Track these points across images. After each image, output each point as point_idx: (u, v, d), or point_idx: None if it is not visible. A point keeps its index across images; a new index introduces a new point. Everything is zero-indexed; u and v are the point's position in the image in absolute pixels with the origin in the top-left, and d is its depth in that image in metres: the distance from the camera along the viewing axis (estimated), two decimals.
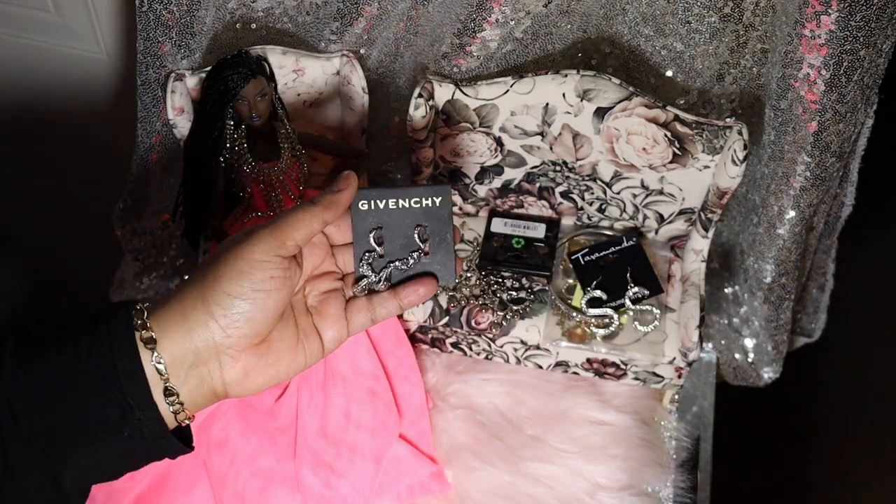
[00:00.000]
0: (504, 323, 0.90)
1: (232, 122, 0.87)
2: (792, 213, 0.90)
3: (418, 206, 0.67)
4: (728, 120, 0.83)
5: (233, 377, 0.62)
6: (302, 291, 0.66)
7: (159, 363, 0.59)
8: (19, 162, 1.33)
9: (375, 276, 0.67)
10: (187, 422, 0.62)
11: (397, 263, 0.67)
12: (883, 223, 1.30)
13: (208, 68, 0.86)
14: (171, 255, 1.07)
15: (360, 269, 0.67)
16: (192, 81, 0.89)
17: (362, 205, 0.66)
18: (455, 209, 0.99)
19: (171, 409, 0.60)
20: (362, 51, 0.93)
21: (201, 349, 0.61)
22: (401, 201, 0.67)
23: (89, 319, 0.61)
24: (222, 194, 0.90)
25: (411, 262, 0.68)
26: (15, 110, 1.24)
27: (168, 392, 0.60)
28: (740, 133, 0.81)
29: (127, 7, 1.03)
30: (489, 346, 0.93)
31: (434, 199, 0.67)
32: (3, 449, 0.57)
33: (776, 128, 0.86)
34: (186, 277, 0.62)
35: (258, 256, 0.61)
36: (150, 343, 0.59)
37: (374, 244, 0.67)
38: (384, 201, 0.67)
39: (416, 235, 0.67)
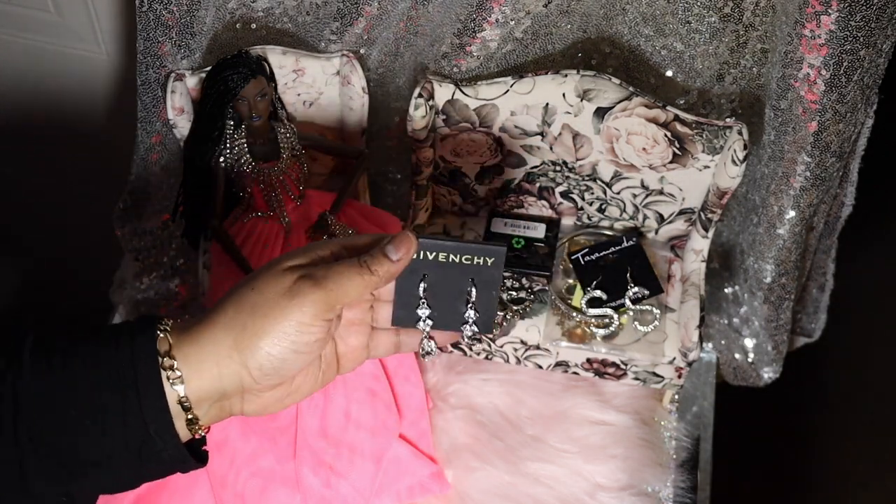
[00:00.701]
0: (504, 323, 0.90)
1: (232, 122, 0.87)
2: (792, 213, 0.90)
3: (469, 262, 0.64)
4: (728, 120, 0.83)
5: (252, 409, 0.62)
6: (337, 324, 0.64)
7: (185, 402, 0.59)
8: (19, 162, 1.33)
9: (423, 323, 0.66)
10: (202, 433, 0.61)
11: (438, 311, 0.66)
12: (883, 223, 1.30)
13: (208, 68, 0.86)
14: (171, 255, 1.07)
15: (401, 314, 0.65)
16: (192, 81, 0.89)
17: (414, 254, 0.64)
18: (455, 209, 0.99)
19: (189, 431, 0.60)
20: (362, 51, 0.93)
21: (228, 391, 0.60)
22: (451, 256, 0.64)
23: (113, 338, 0.58)
24: (222, 194, 0.90)
25: (455, 311, 0.66)
26: (15, 110, 1.24)
27: (190, 422, 0.60)
28: (740, 133, 0.81)
29: (127, 7, 1.03)
30: (489, 346, 0.93)
31: (488, 259, 0.64)
32: (21, 462, 0.56)
33: (776, 128, 0.86)
34: (218, 307, 0.61)
35: (307, 320, 0.58)
36: (178, 382, 0.58)
37: (421, 293, 0.65)
38: (434, 253, 0.64)
39: (469, 290, 0.65)
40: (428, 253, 0.64)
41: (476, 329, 0.66)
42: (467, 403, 0.94)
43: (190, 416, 0.59)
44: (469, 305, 0.65)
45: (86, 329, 0.60)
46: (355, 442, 0.87)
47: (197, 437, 0.61)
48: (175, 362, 0.58)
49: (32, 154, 1.31)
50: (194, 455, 0.61)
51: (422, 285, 0.64)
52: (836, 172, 0.88)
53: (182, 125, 0.91)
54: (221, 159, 0.88)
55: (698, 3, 0.82)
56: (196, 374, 0.58)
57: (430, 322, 0.66)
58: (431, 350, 0.67)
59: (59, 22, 1.08)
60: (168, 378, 0.58)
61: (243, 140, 0.87)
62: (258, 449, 0.87)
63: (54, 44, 1.11)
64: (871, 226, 1.11)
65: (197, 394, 0.59)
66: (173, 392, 0.58)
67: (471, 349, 0.95)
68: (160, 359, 0.58)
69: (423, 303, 0.65)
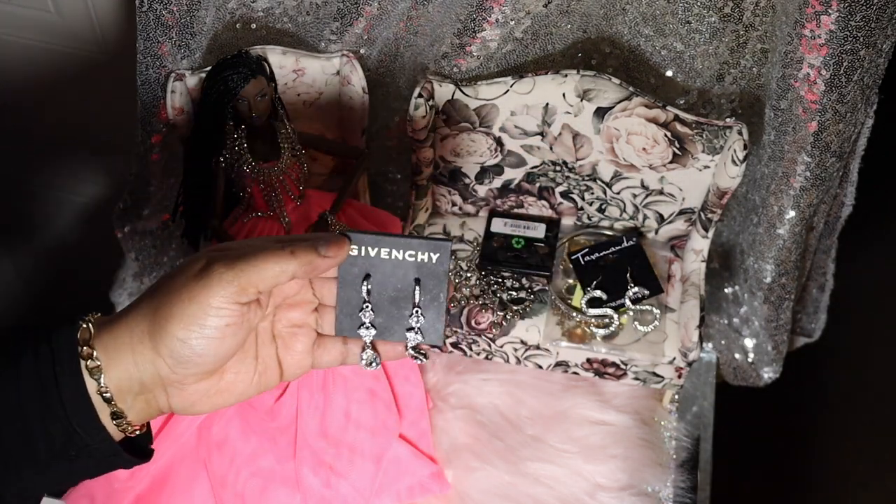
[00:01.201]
0: (504, 323, 0.90)
1: (232, 122, 0.87)
2: (792, 213, 0.90)
3: (413, 259, 0.60)
4: (728, 120, 0.83)
5: (179, 404, 0.59)
6: (271, 317, 0.61)
7: (105, 393, 0.56)
8: (19, 162, 1.33)
9: (366, 330, 0.62)
10: (138, 432, 0.59)
11: (381, 317, 0.62)
12: (883, 223, 1.30)
13: (208, 68, 0.86)
14: (171, 255, 1.07)
15: (343, 321, 0.62)
16: (192, 81, 0.89)
17: (352, 249, 0.60)
18: (455, 209, 0.99)
19: (118, 428, 0.58)
20: (362, 51, 0.93)
21: (147, 381, 0.57)
22: (394, 252, 0.60)
23: (32, 335, 0.57)
24: (222, 194, 0.90)
25: (401, 317, 0.62)
26: (15, 110, 1.24)
27: (115, 415, 0.57)
28: (740, 133, 0.81)
29: (127, 7, 1.03)
30: (489, 346, 0.93)
31: (432, 254, 0.60)
32: None
33: (776, 128, 0.86)
34: (139, 297, 0.59)
35: (214, 302, 0.55)
36: (97, 372, 0.56)
37: (364, 294, 0.61)
38: (376, 249, 0.60)
39: (414, 291, 0.61)
40: (370, 249, 0.60)
41: (421, 338, 0.62)
42: (467, 403, 0.94)
43: (114, 410, 0.57)
44: (415, 310, 0.61)
45: (9, 328, 0.58)
46: (355, 442, 0.87)
47: (131, 434, 0.59)
48: (94, 352, 0.56)
49: (32, 154, 1.31)
50: (138, 451, 0.59)
51: (365, 286, 0.61)
52: (836, 172, 0.88)
53: (182, 125, 0.91)
54: (221, 159, 0.88)
55: (698, 3, 0.82)
56: (114, 363, 0.56)
57: (373, 330, 0.62)
58: (373, 361, 0.63)
59: (59, 22, 1.08)
60: (87, 367, 0.56)
61: (243, 140, 0.87)
62: (258, 449, 0.87)
63: (54, 44, 1.11)
64: (871, 226, 1.11)
65: (116, 384, 0.57)
66: (93, 382, 0.56)
67: (470, 349, 0.95)
68: (80, 348, 0.56)
69: (367, 306, 0.61)
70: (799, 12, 0.76)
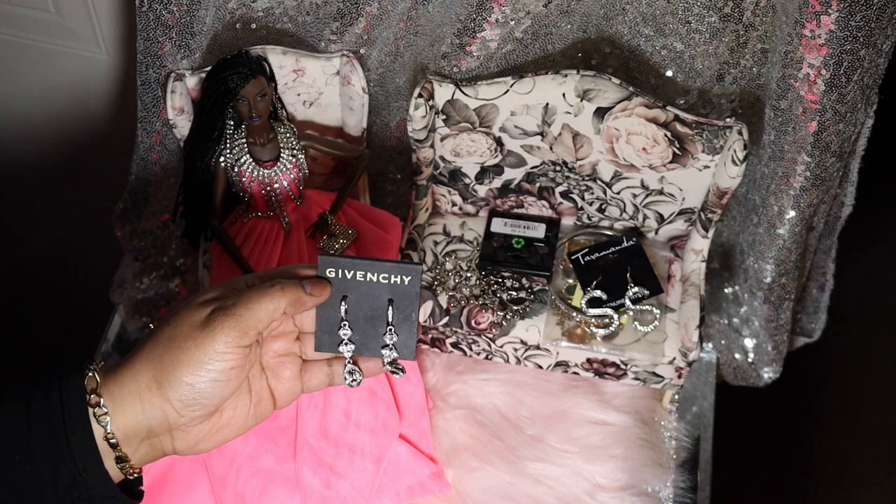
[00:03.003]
0: (504, 323, 0.90)
1: (232, 122, 0.87)
2: (792, 213, 0.90)
3: (386, 281, 0.65)
4: (728, 120, 0.83)
5: (183, 445, 0.63)
6: (258, 351, 0.65)
7: (112, 439, 0.60)
8: (19, 162, 1.33)
9: (345, 346, 0.66)
10: (135, 474, 0.62)
11: (358, 334, 0.66)
12: (883, 223, 1.30)
13: (208, 68, 0.86)
14: (171, 255, 1.07)
15: (323, 338, 0.66)
16: (192, 81, 0.89)
17: (329, 272, 0.64)
18: (455, 209, 0.99)
19: (121, 471, 0.61)
20: (362, 51, 0.93)
21: (154, 426, 0.61)
22: (369, 275, 0.64)
23: (43, 380, 0.60)
24: (222, 194, 0.90)
25: (376, 334, 0.66)
26: (15, 110, 1.24)
27: (119, 459, 0.61)
28: (740, 133, 0.81)
29: (127, 7, 1.03)
30: (489, 346, 0.93)
31: (404, 277, 0.64)
32: None
33: (776, 128, 0.86)
34: (138, 347, 0.63)
35: (220, 348, 0.60)
36: (104, 419, 0.60)
37: (342, 314, 0.65)
38: (352, 272, 0.64)
39: (387, 311, 0.65)
40: (346, 272, 0.64)
41: (395, 354, 0.66)
42: (467, 403, 0.94)
43: (118, 454, 0.60)
44: (388, 328, 0.66)
45: (16, 371, 0.61)
46: (355, 442, 0.87)
47: (130, 477, 0.62)
48: (101, 399, 0.60)
49: (32, 154, 1.31)
50: (130, 493, 0.63)
51: (343, 306, 0.65)
52: (836, 172, 0.88)
53: (182, 125, 0.91)
54: (221, 159, 0.88)
55: (698, 3, 0.82)
56: (120, 411, 0.60)
57: (351, 346, 0.66)
58: (355, 379, 0.67)
59: (59, 22, 1.08)
60: (95, 415, 0.59)
61: (243, 140, 0.87)
62: (258, 449, 0.87)
63: (54, 44, 1.11)
64: (871, 226, 1.11)
65: (123, 430, 0.60)
66: (100, 428, 0.59)
67: (470, 349, 0.95)
68: (87, 396, 0.60)
69: (345, 324, 0.65)
70: (799, 12, 0.76)
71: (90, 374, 0.60)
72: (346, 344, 0.66)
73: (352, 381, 0.67)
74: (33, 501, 0.58)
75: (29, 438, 0.58)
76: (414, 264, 0.65)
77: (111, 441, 0.60)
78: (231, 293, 0.63)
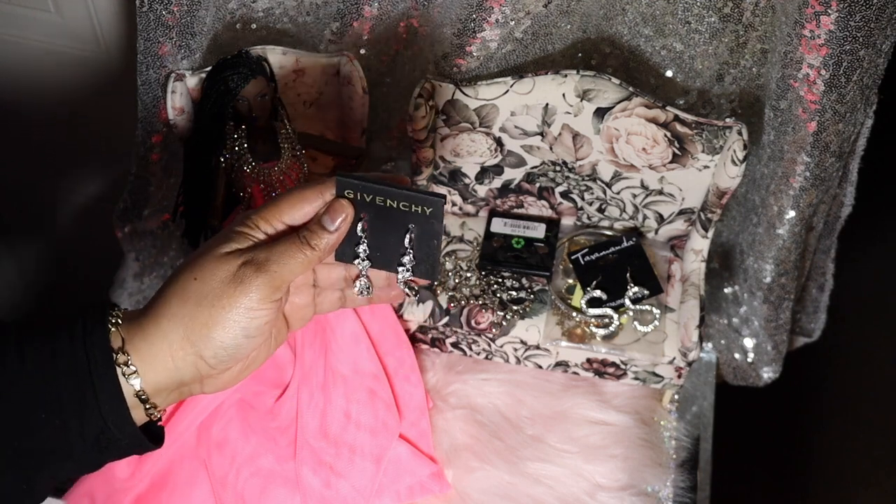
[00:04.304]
0: (504, 323, 0.90)
1: (232, 122, 0.87)
2: (792, 213, 0.90)
3: (407, 209, 0.63)
4: (728, 120, 0.83)
5: (212, 389, 0.63)
6: (286, 298, 0.65)
7: (143, 395, 0.60)
8: (19, 162, 1.33)
9: (362, 262, 0.65)
10: (158, 415, 0.62)
11: (377, 251, 0.65)
12: (883, 223, 1.30)
13: (208, 68, 0.86)
14: (171, 255, 1.08)
15: (345, 248, 0.64)
16: (192, 81, 0.89)
17: (347, 194, 0.63)
18: (455, 209, 0.99)
19: (147, 416, 0.61)
20: (362, 51, 0.93)
21: (186, 380, 0.61)
22: (388, 200, 0.63)
23: (67, 332, 0.59)
24: (222, 194, 0.90)
25: (394, 252, 0.65)
26: (15, 110, 1.24)
27: (148, 410, 0.61)
28: (740, 133, 0.81)
29: (127, 7, 1.03)
30: (489, 346, 0.93)
31: (426, 208, 0.62)
32: None
33: (776, 128, 0.86)
34: (162, 298, 0.61)
35: (254, 305, 0.59)
36: (134, 377, 0.59)
37: (359, 232, 0.64)
38: (371, 196, 0.63)
39: (405, 238, 0.64)
40: (363, 195, 0.63)
41: (410, 274, 0.65)
42: (467, 403, 0.94)
43: (148, 406, 0.60)
44: (407, 251, 0.64)
45: (39, 324, 0.60)
46: (355, 442, 0.87)
47: (155, 419, 0.62)
48: (129, 357, 0.59)
49: (32, 154, 1.31)
50: (151, 436, 0.63)
51: (360, 224, 0.64)
52: (836, 172, 0.88)
53: (182, 125, 0.91)
54: (221, 159, 0.88)
55: (698, 3, 0.82)
56: (151, 369, 0.59)
57: (367, 262, 0.65)
58: (364, 290, 0.67)
59: (59, 22, 1.08)
60: (123, 374, 0.59)
61: (243, 140, 0.87)
62: (258, 449, 0.87)
63: (54, 44, 1.11)
64: (871, 226, 1.11)
65: (154, 386, 0.60)
66: (129, 386, 0.59)
67: (470, 349, 0.95)
68: (114, 355, 0.59)
69: (364, 241, 0.64)
70: (799, 12, 0.77)
71: (113, 329, 0.59)
72: (363, 259, 0.65)
73: (362, 288, 0.67)
74: (61, 452, 0.59)
75: (56, 393, 0.58)
76: (436, 195, 0.62)
77: (142, 397, 0.60)
78: (253, 242, 0.61)
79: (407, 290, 0.67)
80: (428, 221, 0.63)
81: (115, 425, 0.59)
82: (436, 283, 0.67)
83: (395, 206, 0.63)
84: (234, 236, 0.62)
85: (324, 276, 0.66)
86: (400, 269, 0.65)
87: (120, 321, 0.60)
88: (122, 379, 0.59)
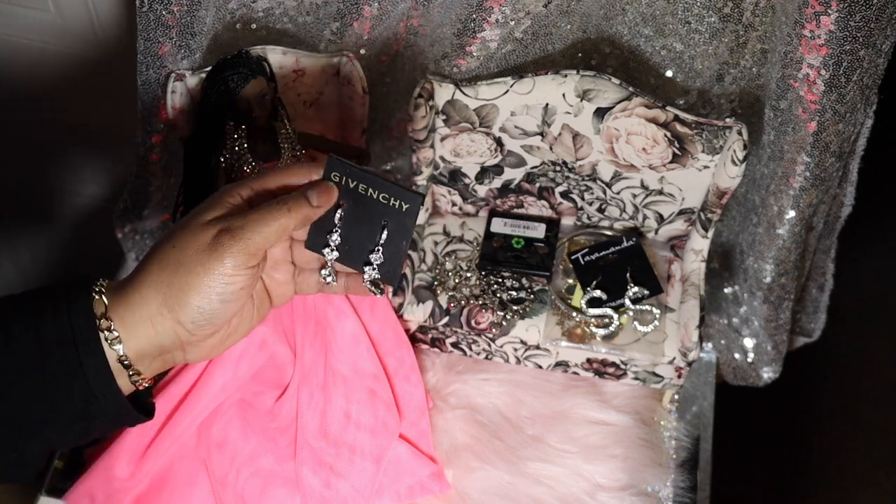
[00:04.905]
0: (504, 323, 0.90)
1: (232, 122, 0.87)
2: (791, 213, 0.90)
3: (386, 202, 0.65)
4: (728, 120, 0.83)
5: (195, 357, 0.65)
6: (262, 266, 0.66)
7: (125, 360, 0.61)
8: (19, 162, 1.33)
9: (330, 252, 0.66)
10: (146, 385, 0.64)
11: (347, 244, 0.66)
12: (883, 223, 1.30)
13: (208, 68, 0.86)
14: None
15: (314, 237, 0.66)
16: (192, 81, 0.89)
17: (334, 176, 0.64)
18: (455, 209, 0.99)
19: (133, 384, 0.63)
20: (362, 51, 0.93)
21: (167, 345, 0.62)
22: (371, 190, 0.64)
23: (50, 303, 0.60)
24: None
25: (363, 250, 0.66)
26: (15, 110, 1.24)
27: (131, 377, 0.62)
28: (740, 133, 0.81)
29: (127, 7, 1.03)
30: (489, 346, 0.93)
31: (403, 203, 0.64)
32: None
33: (776, 128, 0.86)
34: (143, 266, 0.63)
35: (228, 271, 0.61)
36: (116, 342, 0.61)
37: (335, 221, 0.65)
38: (356, 182, 0.64)
39: (379, 231, 0.65)
40: (349, 180, 0.64)
41: (376, 275, 0.66)
42: (467, 403, 0.94)
43: (131, 373, 0.62)
44: (377, 248, 0.66)
45: (23, 296, 0.62)
46: (355, 442, 0.87)
47: (141, 388, 0.63)
48: (112, 323, 0.61)
49: (32, 154, 1.31)
50: (141, 408, 0.64)
51: (338, 213, 0.65)
52: (836, 172, 0.88)
53: (182, 125, 0.91)
54: (221, 159, 0.88)
55: (698, 3, 0.82)
56: (132, 335, 0.61)
57: (335, 253, 0.66)
58: (328, 278, 0.67)
59: (59, 22, 1.08)
60: (106, 339, 0.60)
61: (243, 140, 0.87)
62: (258, 449, 0.87)
63: (54, 44, 1.11)
64: (871, 226, 1.11)
65: (136, 352, 0.61)
66: (112, 352, 0.61)
67: (470, 349, 0.95)
68: (97, 321, 0.60)
69: (336, 230, 0.65)
70: (799, 12, 0.77)
71: (97, 297, 0.61)
72: (333, 250, 0.66)
73: (326, 276, 0.68)
74: (49, 420, 0.60)
75: (41, 360, 0.59)
76: (415, 193, 0.64)
77: (124, 363, 0.61)
78: (234, 212, 0.63)
79: (372, 288, 0.68)
80: (402, 218, 0.65)
81: (100, 391, 0.60)
82: (393, 289, 0.68)
83: (375, 196, 0.64)
84: (215, 205, 0.63)
85: (299, 254, 0.68)
86: (367, 268, 0.66)
87: (104, 290, 0.62)
88: (105, 344, 0.60)
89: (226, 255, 0.60)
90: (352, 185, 0.64)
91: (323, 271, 0.68)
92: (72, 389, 0.60)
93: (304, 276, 0.69)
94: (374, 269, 0.66)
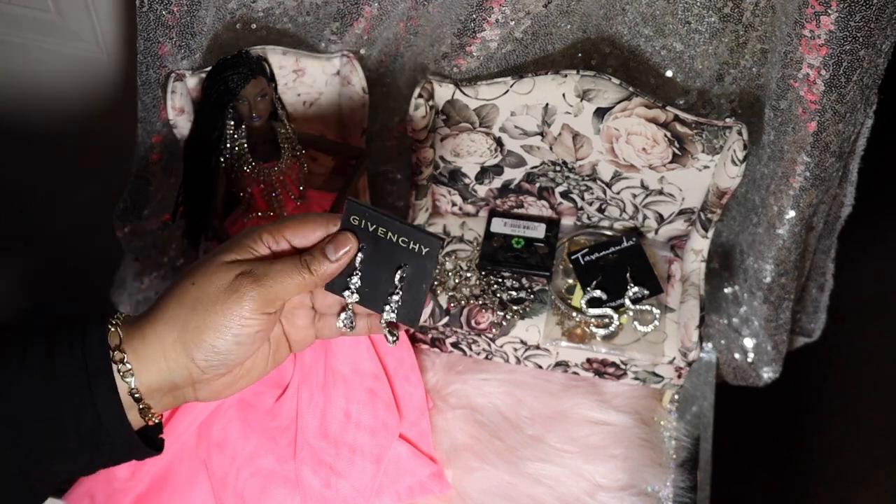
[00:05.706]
0: (504, 323, 0.90)
1: (232, 122, 0.87)
2: (791, 213, 0.90)
3: (405, 245, 0.64)
4: (728, 120, 0.83)
5: (206, 395, 0.64)
6: (280, 313, 0.66)
7: (136, 394, 0.61)
8: (19, 162, 1.33)
9: (351, 294, 0.66)
10: (155, 420, 0.64)
11: (367, 286, 0.66)
12: (883, 223, 1.30)
13: (208, 68, 0.87)
14: (171, 255, 1.08)
15: (336, 280, 0.65)
16: (192, 81, 0.89)
17: (353, 219, 0.64)
18: (455, 209, 0.99)
19: (143, 419, 0.63)
20: (362, 51, 0.93)
21: (178, 382, 0.62)
22: (390, 234, 0.64)
23: (67, 334, 0.61)
24: (223, 194, 0.90)
25: (383, 291, 0.66)
26: (15, 110, 1.24)
27: (142, 411, 0.62)
28: (740, 133, 0.81)
29: (127, 7, 1.03)
30: (489, 346, 0.93)
31: (423, 247, 0.64)
32: None
33: (776, 128, 0.86)
34: (162, 303, 0.63)
35: (247, 314, 0.61)
36: (128, 375, 0.61)
37: (356, 263, 0.65)
38: (375, 226, 0.64)
39: (396, 276, 0.65)
40: (369, 224, 0.64)
41: (394, 316, 0.66)
42: (467, 403, 0.94)
43: (142, 406, 0.62)
44: (397, 290, 0.65)
45: (41, 326, 0.62)
46: (355, 442, 0.87)
47: (151, 423, 0.63)
48: (125, 356, 0.61)
49: (32, 154, 1.31)
50: (150, 443, 0.64)
51: (358, 255, 0.65)
52: (836, 172, 0.88)
53: (182, 125, 0.91)
54: (221, 159, 0.88)
55: (698, 4, 0.82)
56: (144, 368, 0.61)
57: (356, 296, 0.66)
58: (348, 324, 0.67)
59: (59, 22, 1.08)
60: (119, 371, 0.61)
61: (243, 140, 0.87)
62: (258, 449, 0.87)
63: (54, 44, 1.11)
64: (871, 226, 1.11)
65: (147, 386, 0.61)
66: (124, 384, 0.61)
67: (470, 349, 0.95)
68: (111, 352, 0.61)
69: (357, 273, 0.65)
70: (799, 12, 0.77)
71: (112, 328, 0.62)
72: (353, 293, 0.66)
73: (345, 320, 0.67)
74: (56, 450, 0.60)
75: (54, 391, 0.59)
76: (435, 237, 0.64)
77: (135, 396, 0.61)
78: (256, 256, 0.63)
79: (387, 333, 0.67)
80: (422, 261, 0.65)
81: (110, 423, 0.60)
82: (414, 330, 0.67)
83: (394, 239, 0.64)
84: (236, 248, 0.63)
85: (320, 300, 0.68)
86: (386, 308, 0.66)
87: (119, 322, 0.62)
88: (116, 377, 0.60)
89: (245, 297, 0.61)
90: (371, 229, 0.64)
91: (342, 315, 0.67)
92: (81, 418, 0.60)
93: (324, 321, 0.68)
94: (392, 311, 0.66)
